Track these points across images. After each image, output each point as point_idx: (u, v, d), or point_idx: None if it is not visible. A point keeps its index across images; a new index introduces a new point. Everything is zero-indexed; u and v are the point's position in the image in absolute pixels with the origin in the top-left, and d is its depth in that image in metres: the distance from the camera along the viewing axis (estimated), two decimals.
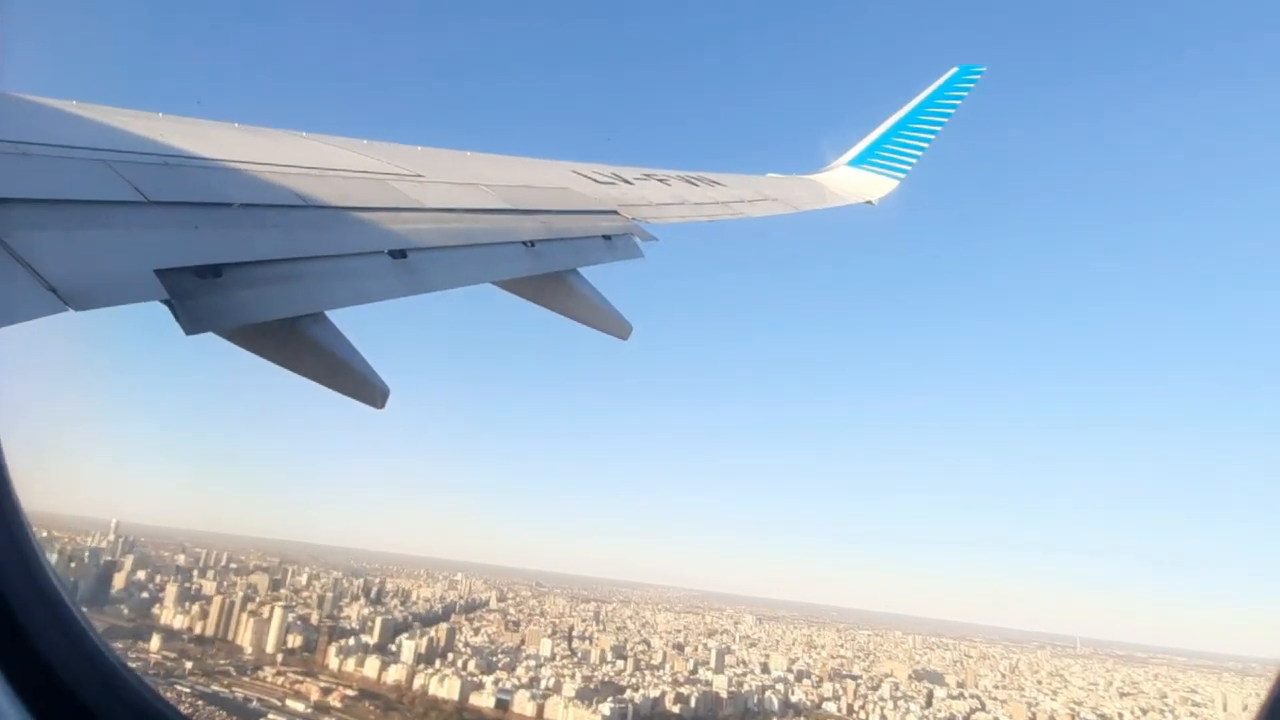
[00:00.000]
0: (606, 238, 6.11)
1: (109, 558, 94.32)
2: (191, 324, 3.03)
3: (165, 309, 3.02)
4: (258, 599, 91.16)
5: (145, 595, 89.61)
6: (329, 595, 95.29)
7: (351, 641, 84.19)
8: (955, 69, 15.98)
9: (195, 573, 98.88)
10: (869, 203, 13.76)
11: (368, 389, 3.70)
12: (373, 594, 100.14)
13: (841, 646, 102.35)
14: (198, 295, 3.12)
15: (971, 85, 15.92)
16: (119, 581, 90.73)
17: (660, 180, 8.45)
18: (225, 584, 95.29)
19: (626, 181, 7.78)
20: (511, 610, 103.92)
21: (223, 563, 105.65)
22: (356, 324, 3.79)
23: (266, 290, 3.43)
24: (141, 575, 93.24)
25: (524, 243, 5.19)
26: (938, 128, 15.52)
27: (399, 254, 4.18)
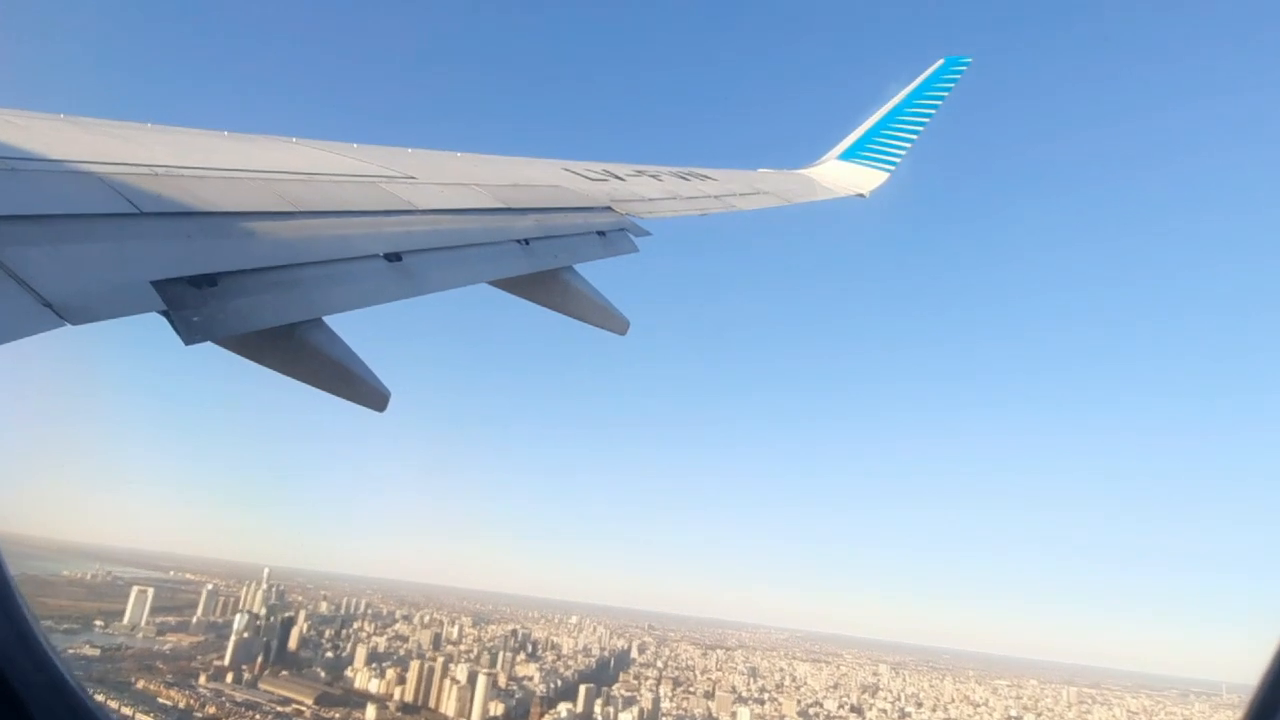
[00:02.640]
0: (601, 234, 6.10)
1: (288, 613, 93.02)
2: (190, 334, 3.02)
3: (163, 320, 3.01)
4: (427, 655, 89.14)
5: (330, 655, 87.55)
6: (501, 652, 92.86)
7: (564, 713, 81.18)
8: (942, 60, 16.02)
9: (358, 624, 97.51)
10: (860, 195, 13.79)
11: (368, 393, 3.69)
12: (527, 647, 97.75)
13: (1005, 702, 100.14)
14: (195, 305, 3.11)
15: (958, 76, 15.95)
16: (292, 638, 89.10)
17: (652, 176, 8.44)
18: (391, 638, 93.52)
19: (618, 178, 7.77)
20: (659, 663, 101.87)
21: (361, 609, 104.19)
22: (354, 329, 3.79)
23: (263, 297, 3.41)
24: (305, 627, 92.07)
25: (518, 241, 5.18)
26: (926, 119, 15.55)
27: (394, 257, 4.16)
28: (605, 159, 8.31)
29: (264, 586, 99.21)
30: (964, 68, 16.00)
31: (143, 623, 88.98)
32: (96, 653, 79.93)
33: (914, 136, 15.28)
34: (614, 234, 6.25)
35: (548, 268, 5.22)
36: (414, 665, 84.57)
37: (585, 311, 5.46)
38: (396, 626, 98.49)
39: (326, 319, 3.68)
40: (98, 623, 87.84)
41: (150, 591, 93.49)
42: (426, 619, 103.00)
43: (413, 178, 5.37)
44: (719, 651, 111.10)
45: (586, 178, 7.33)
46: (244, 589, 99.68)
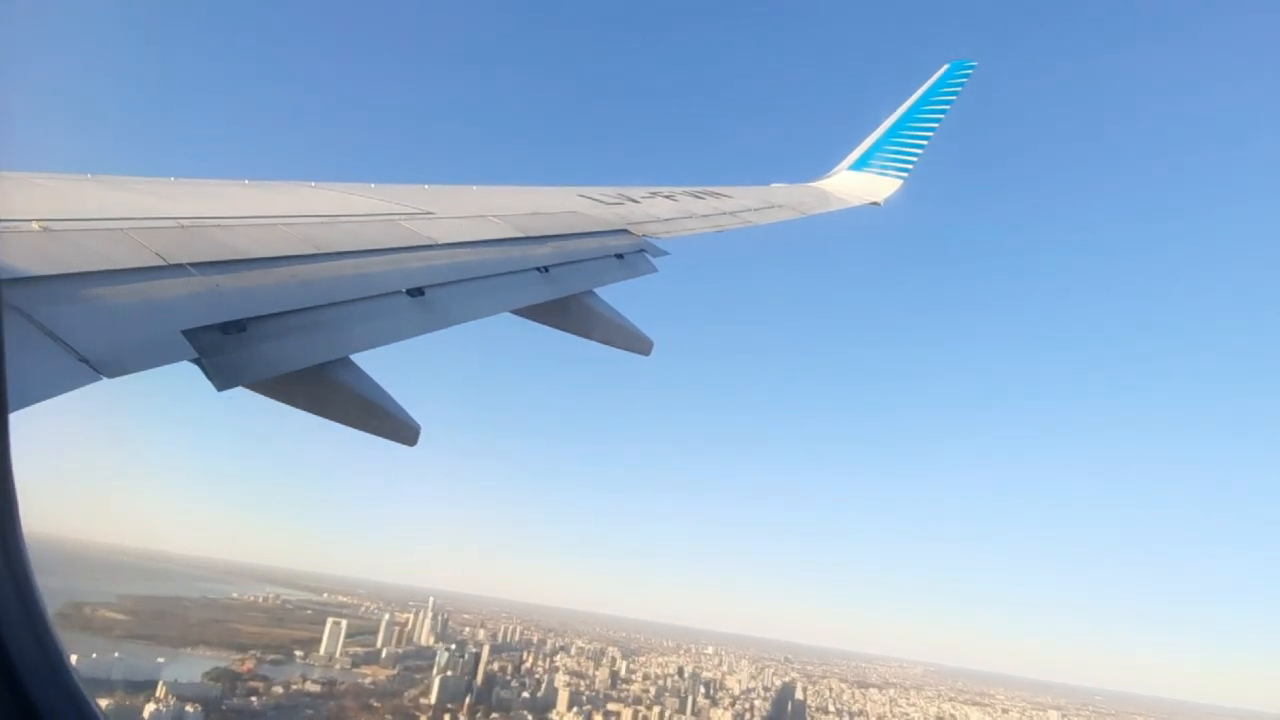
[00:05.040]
0: (619, 256, 6.14)
1: (474, 649, 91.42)
2: (222, 380, 3.07)
3: (196, 369, 3.06)
4: (614, 695, 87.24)
5: (525, 695, 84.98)
6: (691, 697, 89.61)
7: None
8: (947, 66, 15.99)
9: (527, 655, 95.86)
10: (875, 204, 13.77)
11: (399, 428, 3.72)
12: (699, 688, 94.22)
13: None
14: (225, 351, 3.16)
15: (964, 80, 15.91)
16: (478, 672, 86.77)
17: (666, 196, 8.48)
18: (570, 675, 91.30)
19: (633, 200, 7.82)
20: (830, 706, 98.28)
21: (516, 637, 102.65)
22: (382, 366, 3.82)
23: (291, 340, 3.46)
24: (480, 654, 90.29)
25: (538, 269, 5.22)
26: (935, 124, 15.51)
27: (416, 292, 4.20)
28: (618, 182, 8.37)
29: (430, 615, 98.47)
30: (969, 71, 15.96)
31: (337, 653, 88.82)
32: (318, 689, 79.52)
33: (924, 143, 15.26)
34: (632, 256, 6.28)
35: (568, 293, 5.25)
36: (625, 714, 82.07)
37: (608, 334, 5.49)
38: (559, 659, 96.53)
39: (354, 357, 3.73)
40: (297, 653, 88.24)
41: (344, 624, 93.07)
42: (582, 649, 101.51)
43: (431, 213, 5.44)
44: (873, 690, 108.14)
45: (602, 202, 7.37)
46: (412, 617, 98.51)
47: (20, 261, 2.96)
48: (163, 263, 3.41)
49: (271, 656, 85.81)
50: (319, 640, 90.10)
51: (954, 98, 15.72)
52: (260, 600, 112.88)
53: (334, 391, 3.60)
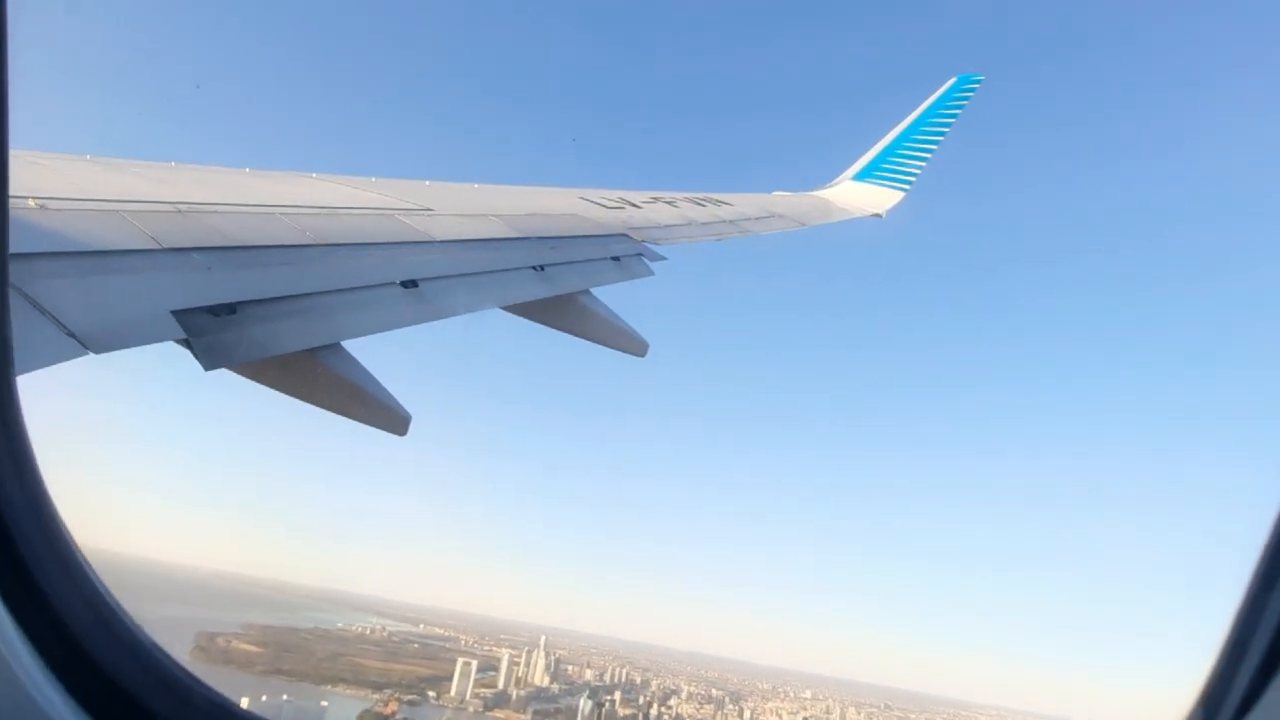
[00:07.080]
0: (616, 259, 6.16)
1: (609, 696, 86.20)
2: (209, 360, 3.09)
3: (184, 349, 3.08)
4: None
5: None
6: None
7: None
8: (954, 79, 16.06)
9: (650, 700, 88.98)
10: (877, 215, 13.77)
11: (389, 416, 3.73)
12: None
13: None
14: (214, 332, 3.19)
15: (971, 94, 15.98)
16: None
17: (668, 203, 8.50)
18: None
19: (634, 205, 7.85)
20: None
21: (622, 678, 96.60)
22: (375, 362, 3.82)
23: (281, 324, 3.49)
24: (614, 700, 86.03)
25: (533, 267, 5.25)
26: (940, 137, 15.56)
27: (410, 284, 4.23)
28: (621, 186, 8.39)
29: (543, 654, 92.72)
30: (976, 85, 16.03)
31: (468, 695, 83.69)
32: None
33: (928, 155, 15.28)
34: (629, 259, 6.32)
35: (562, 292, 5.27)
36: None
37: (603, 334, 5.51)
38: (674, 703, 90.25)
39: (345, 345, 3.74)
40: (430, 693, 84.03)
41: (474, 664, 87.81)
42: (692, 693, 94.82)
43: (430, 209, 5.47)
44: None
45: (603, 206, 7.40)
46: (524, 656, 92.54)
47: (16, 237, 2.99)
48: (156, 245, 3.44)
49: (408, 697, 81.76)
50: (439, 678, 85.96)
51: (960, 111, 15.78)
52: (368, 632, 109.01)
53: (323, 377, 3.61)
